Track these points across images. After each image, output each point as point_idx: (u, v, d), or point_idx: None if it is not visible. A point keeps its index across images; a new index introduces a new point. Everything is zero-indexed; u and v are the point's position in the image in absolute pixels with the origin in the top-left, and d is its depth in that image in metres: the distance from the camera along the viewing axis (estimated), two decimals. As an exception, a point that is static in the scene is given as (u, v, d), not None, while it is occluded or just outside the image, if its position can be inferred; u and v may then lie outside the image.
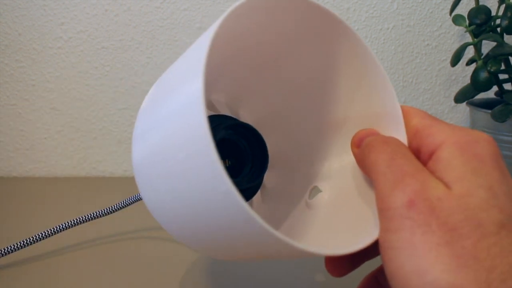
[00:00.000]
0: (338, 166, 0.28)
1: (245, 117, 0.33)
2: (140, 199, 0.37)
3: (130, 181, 0.58)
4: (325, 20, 0.23)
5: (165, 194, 0.21)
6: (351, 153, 0.25)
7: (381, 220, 0.20)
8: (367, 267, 0.25)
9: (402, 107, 0.23)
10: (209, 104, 0.32)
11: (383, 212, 0.19)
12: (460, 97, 0.52)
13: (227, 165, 0.31)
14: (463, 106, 0.62)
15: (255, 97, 0.32)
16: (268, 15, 0.23)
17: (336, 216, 0.26)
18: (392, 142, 0.22)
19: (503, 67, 0.48)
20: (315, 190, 0.29)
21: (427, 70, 0.61)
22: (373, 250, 0.21)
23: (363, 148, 0.23)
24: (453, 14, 0.51)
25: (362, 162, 0.23)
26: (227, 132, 0.30)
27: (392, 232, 0.18)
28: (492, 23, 0.49)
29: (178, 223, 0.22)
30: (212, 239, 0.22)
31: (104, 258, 0.38)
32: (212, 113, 0.31)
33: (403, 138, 0.22)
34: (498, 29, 0.48)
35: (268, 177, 0.32)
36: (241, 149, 0.31)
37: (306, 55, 0.27)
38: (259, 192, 0.32)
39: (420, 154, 0.21)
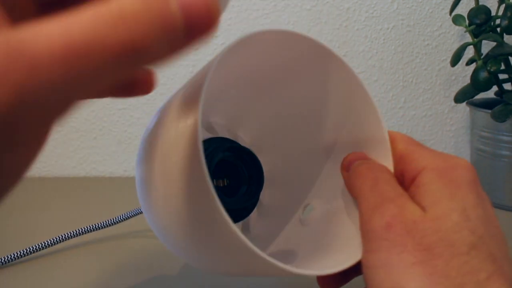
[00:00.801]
0: (329, 186, 0.29)
1: (244, 137, 0.35)
2: (141, 212, 0.39)
3: (130, 181, 0.58)
4: (319, 51, 0.25)
5: (164, 218, 0.23)
6: (341, 175, 0.27)
7: (363, 241, 0.21)
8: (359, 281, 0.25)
9: (389, 132, 0.25)
10: (208, 126, 0.33)
11: (365, 233, 0.21)
12: (460, 97, 0.52)
13: (225, 185, 0.33)
14: (463, 106, 0.62)
15: (253, 119, 0.34)
16: (265, 48, 0.24)
17: (326, 234, 0.28)
18: (376, 168, 0.23)
19: (503, 67, 0.48)
20: (309, 208, 0.31)
21: (427, 70, 0.61)
22: (361, 267, 0.22)
23: (351, 172, 0.25)
24: (453, 14, 0.51)
25: (350, 185, 0.25)
26: (225, 154, 0.32)
27: (372, 252, 0.20)
28: (492, 23, 0.49)
29: (173, 241, 0.25)
30: (203, 256, 0.24)
31: (103, 258, 0.38)
32: (211, 135, 0.33)
33: (389, 162, 0.24)
34: (498, 29, 0.48)
35: (265, 194, 0.34)
36: (238, 170, 0.33)
37: (301, 83, 0.29)
38: (255, 208, 0.34)
39: (404, 179, 0.23)
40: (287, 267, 0.19)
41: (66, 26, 0.12)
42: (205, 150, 0.29)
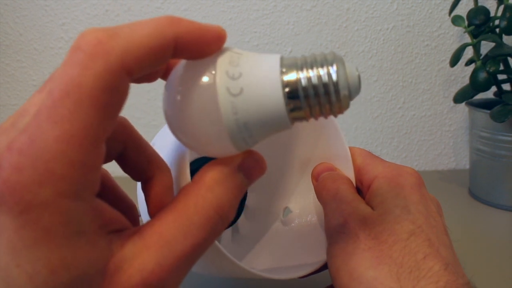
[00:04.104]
0: (304, 193, 0.35)
1: None
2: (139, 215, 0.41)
3: (129, 181, 0.58)
4: None
5: None
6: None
7: (327, 237, 0.25)
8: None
9: (350, 148, 0.30)
10: None
11: (327, 231, 0.25)
12: (459, 97, 0.52)
13: None
14: (462, 106, 0.62)
15: None
16: None
17: (303, 234, 0.33)
18: (339, 180, 0.28)
19: (502, 67, 0.48)
20: (287, 210, 0.36)
21: (427, 71, 0.61)
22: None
23: (319, 182, 0.29)
24: (452, 14, 0.51)
25: (317, 194, 0.29)
26: None
27: (333, 244, 0.24)
28: (491, 24, 0.49)
29: None
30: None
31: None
32: (198, 156, 0.34)
33: (351, 173, 0.29)
34: (497, 29, 0.49)
35: (250, 198, 0.39)
36: None
37: None
38: (243, 213, 0.38)
39: (362, 186, 0.28)
40: (264, 274, 0.24)
41: (158, 260, 0.16)
42: (196, 169, 0.31)
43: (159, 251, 0.16)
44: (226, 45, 0.18)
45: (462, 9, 0.56)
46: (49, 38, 0.57)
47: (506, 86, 0.50)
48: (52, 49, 0.58)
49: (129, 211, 0.22)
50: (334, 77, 0.17)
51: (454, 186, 0.58)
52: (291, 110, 0.17)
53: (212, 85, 0.16)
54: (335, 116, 0.18)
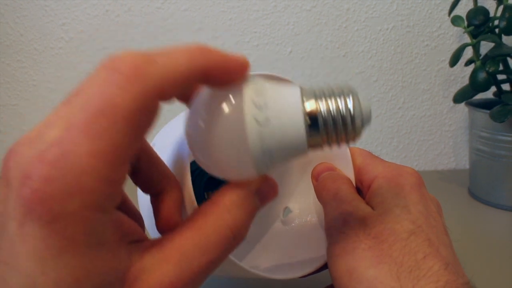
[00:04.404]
0: (304, 192, 0.35)
1: None
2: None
3: (129, 181, 0.58)
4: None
5: None
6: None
7: (327, 237, 0.25)
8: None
9: (350, 149, 0.30)
10: None
11: (327, 231, 0.25)
12: (459, 98, 0.52)
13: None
14: (462, 106, 0.62)
15: None
16: None
17: (303, 234, 0.33)
18: (339, 180, 0.28)
19: (501, 67, 0.48)
20: (287, 210, 0.36)
21: (426, 71, 0.62)
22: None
23: (319, 182, 0.29)
24: (452, 15, 0.51)
25: (317, 194, 0.29)
26: None
27: (333, 244, 0.24)
28: (491, 24, 0.49)
29: None
30: None
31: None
32: None
33: (351, 173, 0.29)
34: (497, 30, 0.49)
35: None
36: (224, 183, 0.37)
37: None
38: None
39: (362, 187, 0.28)
40: (259, 272, 0.25)
41: (176, 273, 0.17)
42: (195, 170, 0.30)
43: (178, 265, 0.17)
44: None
45: (462, 9, 0.56)
46: (50, 38, 0.58)
47: (505, 86, 0.51)
48: (53, 49, 0.58)
49: (138, 221, 0.22)
50: (351, 109, 0.18)
51: (454, 186, 0.58)
52: (310, 138, 0.18)
53: (239, 115, 0.17)
54: (348, 144, 0.19)
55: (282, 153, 0.18)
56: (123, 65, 0.15)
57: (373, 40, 0.60)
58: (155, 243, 0.18)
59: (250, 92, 0.18)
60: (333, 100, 0.18)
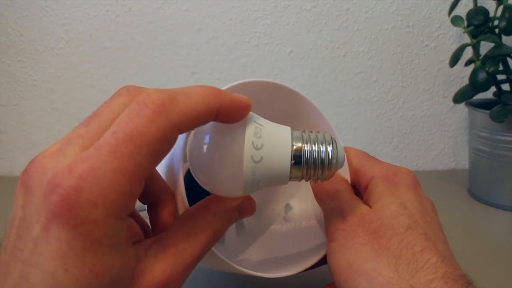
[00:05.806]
0: (304, 191, 0.37)
1: None
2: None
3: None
4: (288, 93, 0.31)
5: None
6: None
7: (326, 236, 0.27)
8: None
9: (346, 149, 0.30)
10: None
11: (327, 229, 0.27)
12: (459, 98, 0.52)
13: None
14: (462, 106, 0.62)
15: None
16: (244, 90, 0.30)
17: (303, 230, 0.35)
18: (336, 180, 0.29)
19: (501, 67, 0.48)
20: (288, 207, 0.38)
21: (426, 71, 0.62)
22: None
23: (317, 184, 0.30)
24: (452, 15, 0.51)
25: (316, 194, 0.30)
26: None
27: (332, 241, 0.26)
28: (490, 24, 0.49)
29: None
30: None
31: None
32: None
33: (347, 174, 0.30)
34: (496, 30, 0.49)
35: (254, 195, 0.40)
36: None
37: (276, 118, 0.34)
38: None
39: (360, 187, 0.29)
40: (255, 273, 0.26)
41: (174, 265, 0.20)
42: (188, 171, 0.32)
43: (175, 259, 0.20)
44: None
45: (462, 10, 0.56)
46: (50, 38, 0.58)
47: (505, 86, 0.51)
48: (53, 49, 0.58)
49: (139, 222, 0.24)
50: (330, 154, 0.23)
51: (454, 186, 0.58)
52: (292, 174, 0.23)
53: (240, 152, 0.21)
54: (321, 181, 0.24)
55: (267, 183, 0.22)
56: (151, 101, 0.18)
57: (373, 40, 0.60)
58: (154, 241, 0.21)
59: (251, 133, 0.21)
60: (316, 144, 0.23)
